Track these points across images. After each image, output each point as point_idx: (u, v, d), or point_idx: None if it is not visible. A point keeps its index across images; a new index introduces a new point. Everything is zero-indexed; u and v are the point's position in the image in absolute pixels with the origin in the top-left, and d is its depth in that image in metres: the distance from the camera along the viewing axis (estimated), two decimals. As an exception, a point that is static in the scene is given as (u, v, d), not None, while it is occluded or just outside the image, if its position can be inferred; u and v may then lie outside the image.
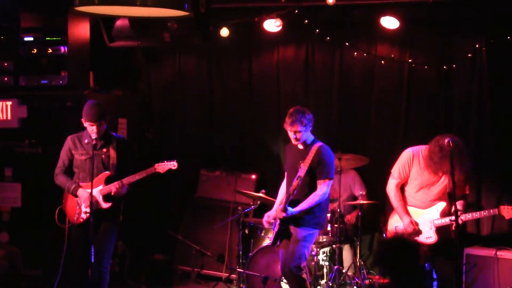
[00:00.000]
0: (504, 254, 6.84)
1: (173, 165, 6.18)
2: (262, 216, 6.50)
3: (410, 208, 6.47)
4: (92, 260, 5.81)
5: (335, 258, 7.11)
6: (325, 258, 7.12)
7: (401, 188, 6.56)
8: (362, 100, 8.21)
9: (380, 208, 7.56)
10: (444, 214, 6.33)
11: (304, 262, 6.20)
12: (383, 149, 7.94)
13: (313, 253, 6.93)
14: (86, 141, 6.16)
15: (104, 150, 6.16)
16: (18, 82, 7.53)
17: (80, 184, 6.15)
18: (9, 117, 7.40)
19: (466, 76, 7.70)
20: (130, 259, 7.93)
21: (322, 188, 6.13)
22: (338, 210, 7.11)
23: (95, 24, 7.73)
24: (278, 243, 6.27)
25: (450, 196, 5.98)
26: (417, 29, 7.77)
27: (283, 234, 6.20)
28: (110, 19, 7.59)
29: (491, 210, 6.25)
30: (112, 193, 6.09)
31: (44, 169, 6.71)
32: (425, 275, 6.41)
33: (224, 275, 7.95)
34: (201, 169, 8.57)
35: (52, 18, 7.51)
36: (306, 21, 7.66)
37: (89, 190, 5.92)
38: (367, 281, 7.23)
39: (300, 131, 6.12)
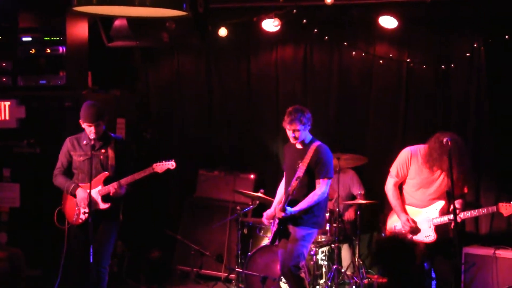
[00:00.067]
0: (502, 253, 6.85)
1: (171, 164, 6.17)
2: (261, 216, 6.53)
3: (409, 207, 6.48)
4: (91, 261, 5.81)
5: (334, 257, 7.12)
6: (324, 257, 7.13)
7: (400, 187, 6.57)
8: (361, 100, 8.21)
9: (379, 207, 7.57)
10: (443, 212, 6.34)
11: (302, 261, 6.20)
12: (381, 149, 7.95)
13: (312, 252, 6.93)
14: (84, 142, 6.15)
15: (103, 150, 6.15)
16: (17, 82, 7.52)
17: (80, 184, 6.15)
18: (7, 118, 7.39)
19: (464, 76, 7.71)
20: (128, 259, 7.93)
21: (321, 188, 6.13)
22: (337, 209, 7.12)
23: (93, 24, 7.72)
24: (276, 242, 6.28)
25: (448, 195, 6.00)
26: (415, 28, 7.78)
27: (281, 233, 6.21)
28: (108, 19, 7.57)
29: (490, 208, 6.26)
30: (111, 194, 6.09)
31: (43, 169, 6.71)
32: (424, 274, 6.42)
33: (223, 275, 7.95)
34: (199, 169, 8.57)
35: (50, 18, 7.50)
36: (305, 20, 7.67)
37: (88, 190, 5.92)
38: (366, 281, 7.23)
39: (298, 130, 6.13)
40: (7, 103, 7.39)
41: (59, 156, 6.27)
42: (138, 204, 8.00)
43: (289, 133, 6.19)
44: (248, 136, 8.63)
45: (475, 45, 7.56)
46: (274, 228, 6.22)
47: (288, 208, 6.08)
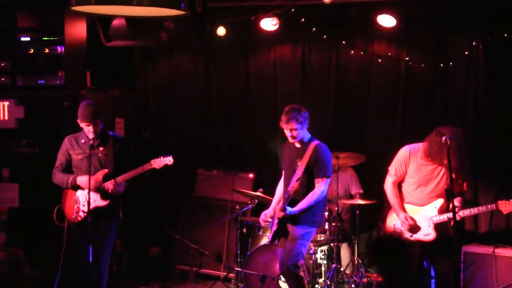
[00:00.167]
0: (502, 251, 6.85)
1: (169, 160, 6.18)
2: (259, 215, 6.51)
3: (408, 206, 6.47)
4: (90, 260, 5.82)
5: (333, 256, 7.12)
6: (323, 256, 7.13)
7: (399, 185, 6.57)
8: (359, 99, 8.21)
9: (378, 206, 7.56)
10: (442, 210, 6.34)
11: (301, 260, 6.20)
12: (380, 147, 7.95)
13: (311, 251, 6.93)
14: (83, 141, 6.18)
15: (101, 148, 6.17)
16: (15, 82, 7.52)
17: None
18: (6, 117, 7.39)
19: (462, 74, 7.72)
20: (127, 258, 7.93)
21: (320, 187, 6.13)
22: (336, 208, 7.12)
23: (91, 24, 7.72)
24: (276, 241, 6.28)
25: (448, 193, 5.99)
26: (413, 27, 7.78)
27: (281, 232, 6.21)
28: (107, 19, 7.58)
29: (489, 206, 6.25)
30: (110, 191, 6.10)
31: (42, 169, 6.71)
32: (423, 273, 6.42)
33: (222, 274, 7.96)
34: (198, 168, 8.56)
35: (49, 18, 7.50)
36: (303, 19, 7.67)
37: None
38: (365, 280, 7.23)
39: (296, 129, 6.12)
40: (6, 103, 7.39)
41: (58, 155, 6.30)
42: (137, 204, 7.99)
43: (287, 133, 6.19)
44: (247, 135, 8.63)
45: (473, 44, 7.56)
46: (274, 228, 6.22)
47: (288, 208, 6.08)
